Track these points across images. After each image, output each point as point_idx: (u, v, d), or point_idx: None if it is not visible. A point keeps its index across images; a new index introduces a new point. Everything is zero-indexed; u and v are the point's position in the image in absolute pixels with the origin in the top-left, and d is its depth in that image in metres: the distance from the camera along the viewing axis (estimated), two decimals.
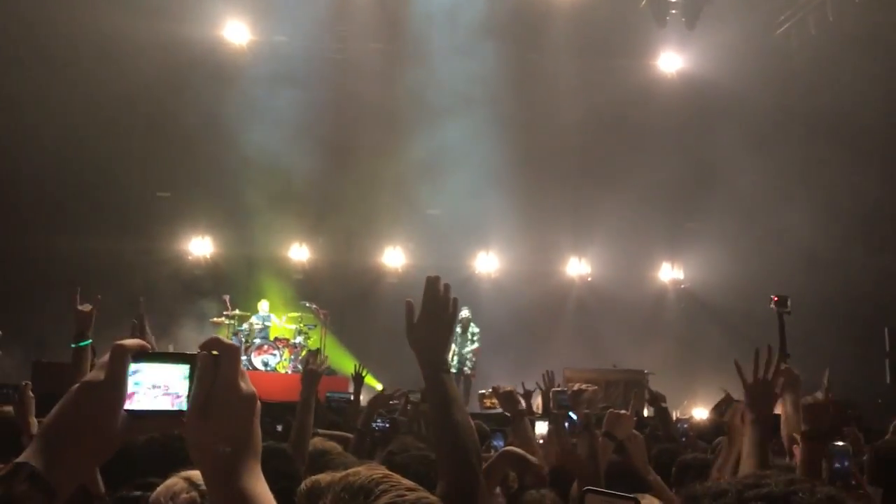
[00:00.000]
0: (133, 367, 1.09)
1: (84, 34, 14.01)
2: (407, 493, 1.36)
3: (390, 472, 1.44)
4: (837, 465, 2.61)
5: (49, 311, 13.39)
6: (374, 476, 1.40)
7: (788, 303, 3.86)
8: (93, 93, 14.23)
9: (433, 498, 1.41)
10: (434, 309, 2.32)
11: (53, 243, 14.13)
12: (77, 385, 1.07)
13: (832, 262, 14.05)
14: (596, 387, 3.85)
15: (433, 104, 14.82)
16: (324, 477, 1.42)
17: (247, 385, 1.09)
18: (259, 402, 1.10)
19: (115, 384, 1.07)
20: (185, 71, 14.99)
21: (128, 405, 1.08)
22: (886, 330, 13.74)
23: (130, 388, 1.08)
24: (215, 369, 1.07)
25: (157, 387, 1.09)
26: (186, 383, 1.09)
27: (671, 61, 16.82)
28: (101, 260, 14.38)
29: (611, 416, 3.50)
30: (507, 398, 4.20)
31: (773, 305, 3.86)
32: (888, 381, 13.57)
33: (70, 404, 1.06)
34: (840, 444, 2.66)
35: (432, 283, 2.31)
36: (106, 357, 1.08)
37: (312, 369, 4.07)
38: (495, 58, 15.19)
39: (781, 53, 15.33)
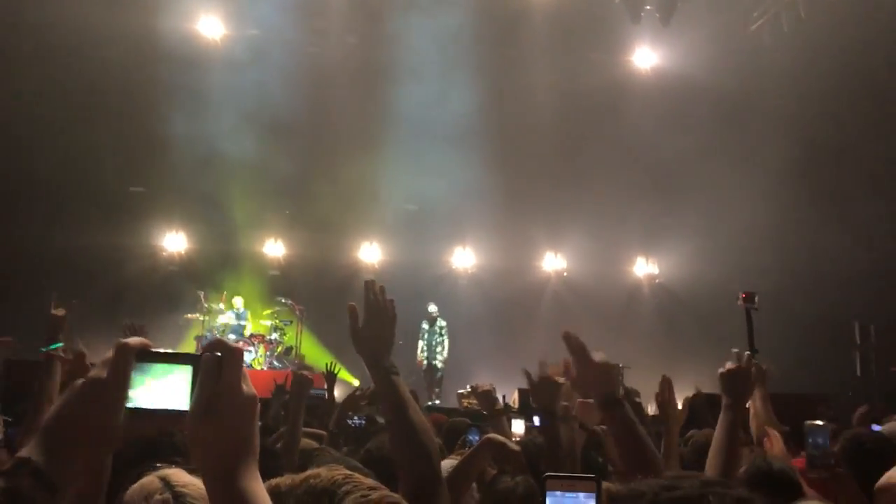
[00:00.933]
0: (136, 365, 1.09)
1: (56, 25, 13.81)
2: (370, 492, 1.36)
3: (351, 472, 1.44)
4: (813, 441, 2.65)
5: (21, 308, 13.25)
6: (336, 478, 1.39)
7: (756, 299, 3.93)
8: (65, 85, 14.05)
9: (396, 496, 1.41)
10: (375, 312, 2.30)
11: (23, 239, 13.95)
12: (80, 382, 1.07)
13: (803, 256, 14.24)
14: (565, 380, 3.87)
15: (409, 100, 14.81)
16: (283, 480, 1.41)
17: (248, 387, 1.10)
18: (259, 404, 1.12)
19: (118, 382, 1.07)
20: (159, 64, 14.83)
21: (130, 403, 1.09)
22: (856, 323, 13.96)
23: (133, 386, 1.09)
24: (219, 371, 1.08)
25: (160, 386, 1.10)
26: (189, 384, 1.10)
27: (646, 57, 16.92)
28: (73, 256, 14.21)
29: (583, 407, 3.53)
30: (485, 397, 4.25)
31: (740, 302, 3.93)
32: (858, 373, 13.80)
33: (72, 401, 1.06)
34: (818, 423, 2.70)
35: (369, 286, 2.26)
36: (109, 355, 1.09)
37: (304, 375, 4.07)
38: (472, 54, 15.20)
39: (755, 50, 15.47)
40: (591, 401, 3.57)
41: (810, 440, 2.66)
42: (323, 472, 1.41)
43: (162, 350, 1.13)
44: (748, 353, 2.74)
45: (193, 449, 1.09)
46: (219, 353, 1.09)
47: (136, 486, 1.91)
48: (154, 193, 15.45)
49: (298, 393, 3.91)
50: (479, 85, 15.28)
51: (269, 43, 15.46)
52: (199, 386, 1.08)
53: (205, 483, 1.08)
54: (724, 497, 0.74)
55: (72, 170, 14.38)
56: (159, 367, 1.11)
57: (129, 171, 15.64)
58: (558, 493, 1.25)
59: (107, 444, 1.08)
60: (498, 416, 4.06)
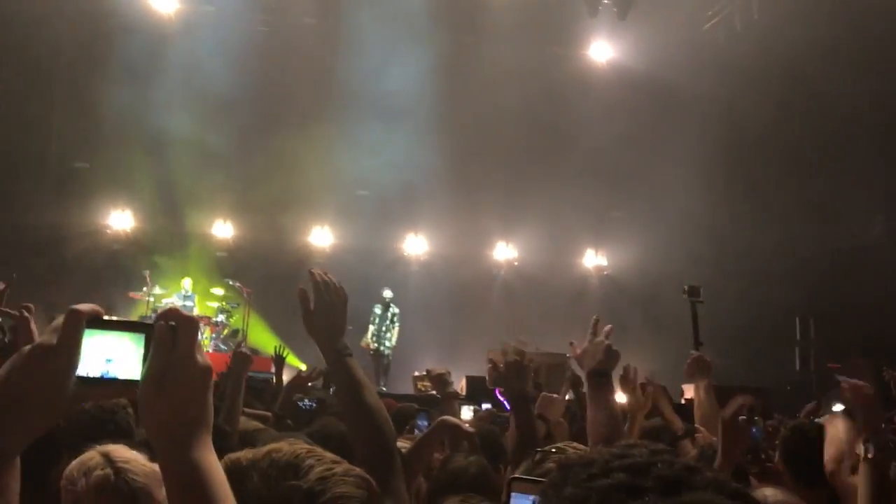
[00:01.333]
0: (87, 332, 1.06)
1: None
2: (333, 465, 1.36)
3: (312, 446, 1.42)
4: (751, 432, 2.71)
5: None
6: (299, 452, 1.37)
7: (700, 292, 3.99)
8: (9, 57, 13.61)
9: (358, 469, 1.41)
10: (327, 296, 2.30)
11: None
12: (28, 348, 1.04)
13: (744, 250, 14.58)
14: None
15: (363, 84, 14.70)
16: (244, 454, 1.38)
17: (203, 358, 1.08)
18: (213, 376, 1.10)
19: (68, 349, 1.04)
20: (109, 38, 14.46)
21: (80, 371, 1.05)
22: (797, 319, 14.35)
23: (83, 354, 1.06)
24: (173, 341, 1.06)
25: (111, 354, 1.08)
26: (141, 353, 1.07)
27: (602, 51, 17.05)
28: (15, 231, 13.83)
29: (543, 400, 3.56)
30: (440, 380, 4.32)
31: (685, 295, 3.99)
32: (797, 367, 14.19)
33: (20, 367, 1.03)
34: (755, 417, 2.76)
35: (315, 275, 2.27)
36: (59, 321, 1.05)
37: (243, 353, 4.02)
38: (429, 40, 15.14)
39: (709, 47, 15.69)
40: (554, 395, 3.61)
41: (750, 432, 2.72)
42: (284, 447, 1.39)
43: (115, 318, 1.10)
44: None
45: (145, 419, 1.07)
46: (173, 323, 1.07)
47: (75, 461, 1.88)
48: (99, 170, 15.09)
49: (238, 370, 3.86)
50: (435, 72, 15.22)
51: (221, 20, 15.17)
52: (153, 355, 1.05)
53: (157, 454, 1.06)
54: (672, 464, 0.76)
55: (15, 144, 13.95)
56: (111, 335, 1.08)
57: (75, 147, 15.27)
58: (522, 495, 1.24)
59: (54, 412, 1.06)
60: (450, 399, 4.11)
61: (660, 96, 15.46)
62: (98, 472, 1.84)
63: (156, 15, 15.19)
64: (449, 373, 4.57)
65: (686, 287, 4.01)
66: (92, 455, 1.89)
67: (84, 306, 1.07)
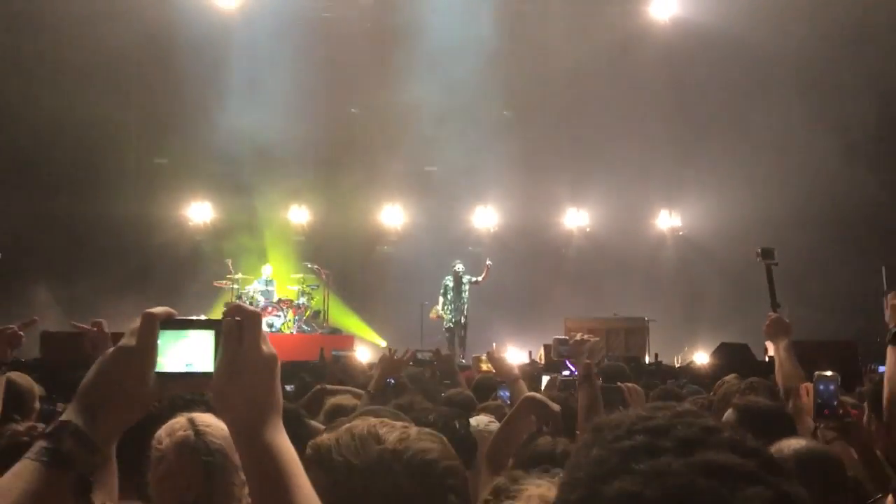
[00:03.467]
0: (162, 332, 1.18)
1: None
2: (406, 429, 1.51)
3: (384, 419, 1.56)
4: (822, 388, 2.69)
5: (48, 280, 13.54)
6: (373, 423, 1.52)
7: (775, 254, 3.90)
8: (87, 57, 14.13)
9: (428, 430, 1.57)
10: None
11: (50, 210, 14.19)
12: (111, 350, 1.17)
13: (826, 202, 14.09)
14: (598, 338, 3.90)
15: (426, 59, 14.72)
16: (324, 437, 1.52)
17: (268, 347, 1.18)
18: (279, 363, 1.20)
19: (146, 349, 1.16)
20: (177, 35, 14.83)
21: (158, 368, 1.17)
22: (883, 268, 13.85)
23: (160, 352, 1.18)
24: (240, 334, 1.17)
25: (185, 351, 1.19)
26: (212, 347, 1.19)
27: (664, 7, 16.56)
28: (101, 229, 14.45)
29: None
30: (499, 364, 4.06)
31: (758, 258, 3.91)
32: (887, 318, 13.71)
33: (105, 368, 1.16)
34: (827, 373, 2.73)
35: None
36: (137, 323, 1.18)
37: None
38: (487, 7, 15.05)
39: None
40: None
41: (819, 388, 2.70)
42: (358, 423, 1.53)
43: (186, 318, 1.22)
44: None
45: (219, 408, 1.19)
46: (238, 318, 1.17)
47: (165, 425, 2.08)
48: (178, 164, 15.61)
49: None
50: (497, 40, 15.12)
51: (284, 9, 15.39)
52: (223, 348, 1.16)
53: (233, 438, 1.18)
54: (691, 425, 0.79)
55: (96, 142, 14.54)
56: (184, 333, 1.19)
57: (152, 143, 15.81)
58: None
59: (139, 406, 1.17)
60: (515, 381, 3.91)
61: (728, 49, 14.96)
62: (180, 433, 2.04)
63: (218, 10, 15.52)
64: (505, 357, 4.40)
65: (759, 250, 3.94)
66: (179, 419, 2.10)
67: (157, 309, 1.19)
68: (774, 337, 3.66)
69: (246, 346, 1.16)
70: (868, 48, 13.84)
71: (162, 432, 2.06)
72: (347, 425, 1.53)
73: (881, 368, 4.84)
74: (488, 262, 13.83)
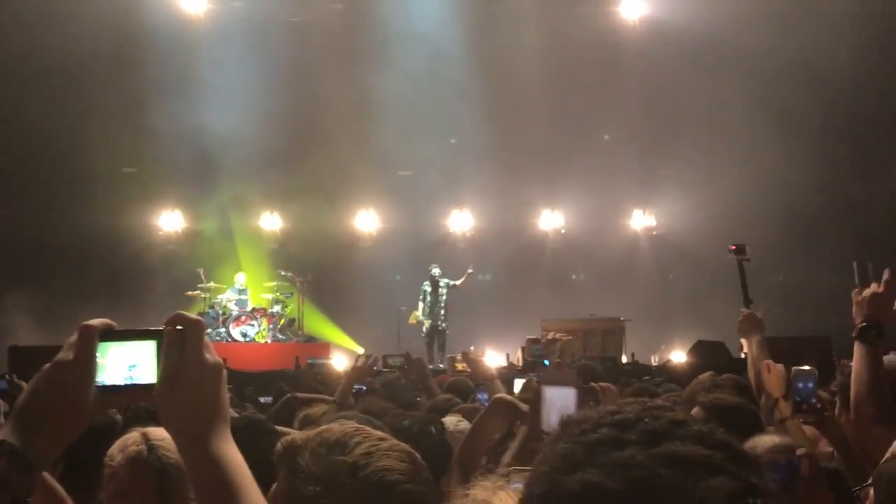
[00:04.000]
0: (101, 345, 1.13)
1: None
2: (379, 442, 1.46)
3: (361, 426, 1.53)
4: (800, 385, 2.69)
5: (18, 289, 13.31)
6: (347, 430, 1.48)
7: (747, 249, 3.94)
8: (53, 65, 13.92)
9: (403, 444, 1.51)
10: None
11: (18, 220, 13.97)
12: (48, 365, 1.11)
13: (795, 200, 14.24)
14: (570, 336, 3.90)
15: (397, 63, 14.68)
16: (298, 435, 1.50)
17: (212, 356, 1.14)
18: (225, 372, 1.16)
19: (84, 362, 1.11)
20: (141, 42, 14.67)
21: (98, 381, 1.12)
22: (855, 263, 14.00)
23: (99, 364, 1.12)
24: (181, 343, 1.12)
25: (126, 363, 1.14)
26: (154, 358, 1.14)
27: (633, 7, 16.61)
28: (70, 239, 14.24)
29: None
30: (475, 365, 4.13)
31: (731, 254, 3.94)
32: (854, 315, 13.86)
33: (41, 384, 1.11)
34: (804, 367, 2.73)
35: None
36: (74, 337, 1.12)
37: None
38: (457, 10, 15.05)
39: None
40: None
41: (798, 385, 2.69)
42: (334, 427, 1.51)
43: (126, 329, 1.17)
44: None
45: (163, 420, 1.14)
46: (180, 327, 1.13)
47: (118, 440, 2.04)
48: (147, 173, 15.42)
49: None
50: (468, 43, 15.11)
51: (252, 14, 15.28)
52: (164, 358, 1.12)
53: (179, 450, 1.14)
54: (659, 418, 0.78)
55: (63, 153, 14.33)
56: (124, 345, 1.15)
57: (120, 152, 15.60)
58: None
59: (78, 422, 1.12)
60: (491, 382, 3.97)
61: (697, 49, 15.04)
62: (133, 448, 1.99)
63: (185, 15, 15.37)
64: (481, 358, 4.44)
65: (732, 246, 3.97)
66: (132, 434, 2.05)
67: (95, 321, 1.14)
68: (747, 333, 3.67)
69: (188, 356, 1.12)
70: (842, 47, 13.99)
71: (114, 448, 2.01)
72: (324, 427, 1.51)
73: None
74: (470, 270, 13.79)
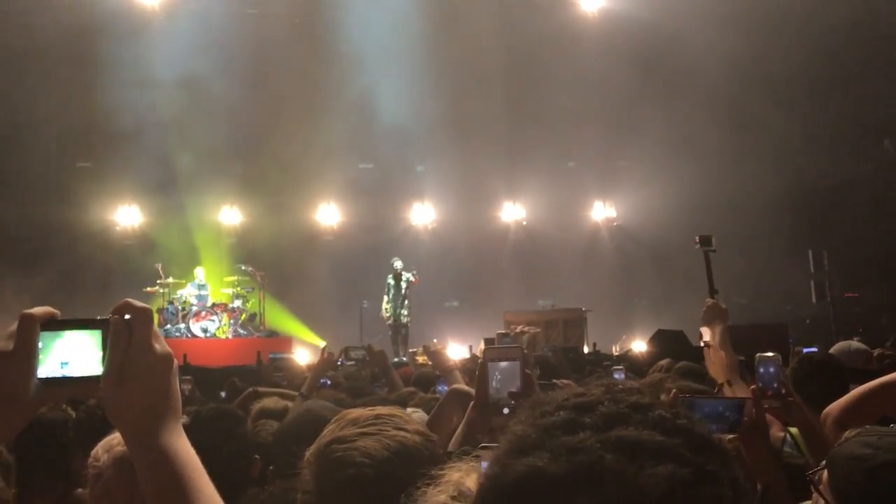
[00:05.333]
0: (43, 334, 1.07)
1: None
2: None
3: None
4: (763, 372, 2.73)
5: None
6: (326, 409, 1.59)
7: (713, 241, 4.00)
8: (4, 56, 13.57)
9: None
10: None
11: None
12: None
13: (752, 190, 14.48)
14: (538, 329, 3.91)
15: (356, 57, 14.59)
16: (346, 432, 1.58)
17: (161, 346, 1.09)
18: (175, 362, 1.10)
19: (25, 353, 1.05)
20: (94, 35, 14.36)
21: (40, 373, 1.06)
22: (810, 252, 14.30)
23: (42, 356, 1.07)
24: (129, 333, 1.07)
25: (70, 354, 1.08)
26: (99, 348, 1.08)
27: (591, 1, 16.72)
28: (24, 235, 13.92)
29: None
30: (435, 357, 4.18)
31: (697, 245, 4.00)
32: (814, 301, 14.18)
33: None
34: (768, 354, 2.77)
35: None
36: (14, 327, 1.06)
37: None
38: (415, 2, 14.98)
39: None
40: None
41: (760, 370, 2.74)
42: (312, 405, 1.62)
43: (69, 318, 1.11)
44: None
45: (110, 413, 1.08)
46: (127, 315, 1.07)
47: (101, 442, 2.00)
48: (102, 167, 15.11)
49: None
50: (426, 37, 15.04)
51: (208, 7, 15.04)
52: (110, 349, 1.06)
53: (127, 445, 1.08)
54: (620, 402, 0.76)
55: (15, 146, 13.99)
56: (68, 335, 1.09)
57: (74, 146, 15.28)
58: None
59: (20, 416, 1.06)
60: (450, 373, 4.01)
61: (655, 41, 15.23)
62: (119, 448, 1.93)
63: (140, 7, 15.08)
64: (444, 349, 4.50)
65: (698, 237, 4.01)
66: (115, 435, 1.99)
67: (37, 310, 1.07)
68: (711, 322, 3.72)
69: (136, 346, 1.06)
70: (796, 41, 14.23)
71: (99, 448, 1.95)
72: (307, 405, 1.58)
73: (805, 350, 5.04)
74: (413, 279, 13.67)
